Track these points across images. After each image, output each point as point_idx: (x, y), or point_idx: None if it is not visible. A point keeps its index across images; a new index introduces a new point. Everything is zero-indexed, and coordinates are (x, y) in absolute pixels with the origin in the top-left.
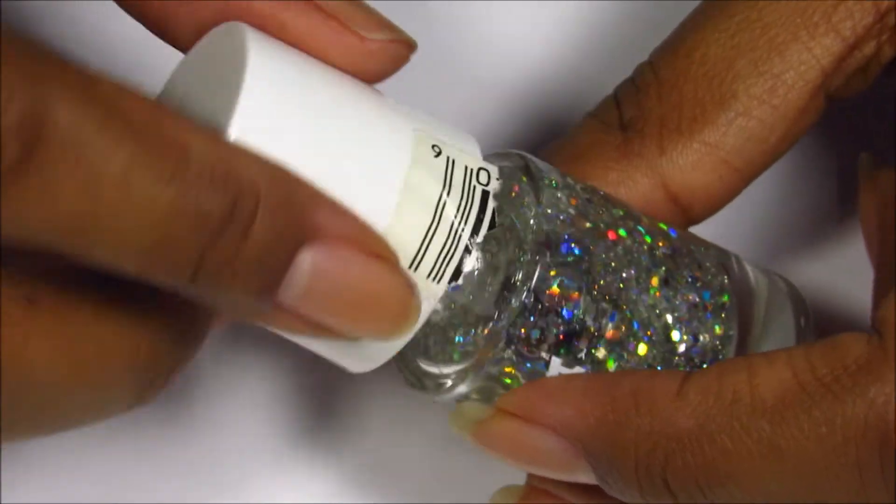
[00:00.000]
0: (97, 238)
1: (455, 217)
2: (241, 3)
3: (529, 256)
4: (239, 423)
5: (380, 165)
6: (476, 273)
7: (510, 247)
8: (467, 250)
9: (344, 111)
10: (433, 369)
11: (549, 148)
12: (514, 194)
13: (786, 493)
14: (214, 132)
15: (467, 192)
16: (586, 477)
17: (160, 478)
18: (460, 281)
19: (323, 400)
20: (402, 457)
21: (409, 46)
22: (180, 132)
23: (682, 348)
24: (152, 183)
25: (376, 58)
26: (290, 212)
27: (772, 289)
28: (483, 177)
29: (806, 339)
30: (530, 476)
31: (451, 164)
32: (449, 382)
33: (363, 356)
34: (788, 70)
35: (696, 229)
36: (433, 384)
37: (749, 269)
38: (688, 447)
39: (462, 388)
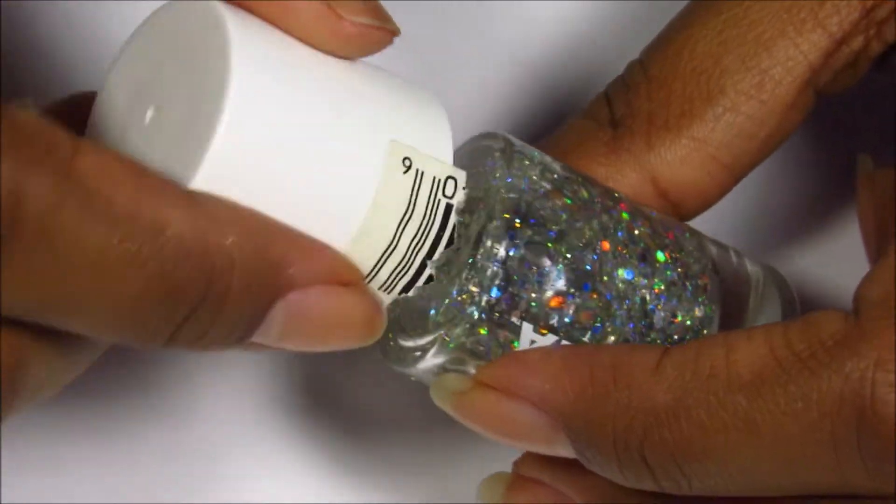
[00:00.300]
0: (71, 315)
1: (413, 240)
2: None
3: (498, 225)
4: (237, 421)
5: (351, 184)
6: (446, 246)
7: (481, 217)
8: (421, 267)
9: (320, 124)
10: (408, 343)
11: (540, 143)
12: (486, 167)
13: (762, 469)
14: (193, 200)
15: (430, 212)
16: (565, 451)
17: (159, 478)
18: (411, 293)
19: (320, 396)
20: (400, 452)
21: (390, 34)
22: (159, 209)
23: (658, 324)
24: (126, 265)
25: (352, 42)
26: (264, 274)
27: (757, 272)
28: (449, 188)
29: (791, 315)
30: (516, 464)
31: (418, 180)
32: (421, 353)
33: None
34: (776, 66)
35: (690, 221)
36: (409, 357)
37: (748, 262)
38: (664, 422)
39: (436, 360)
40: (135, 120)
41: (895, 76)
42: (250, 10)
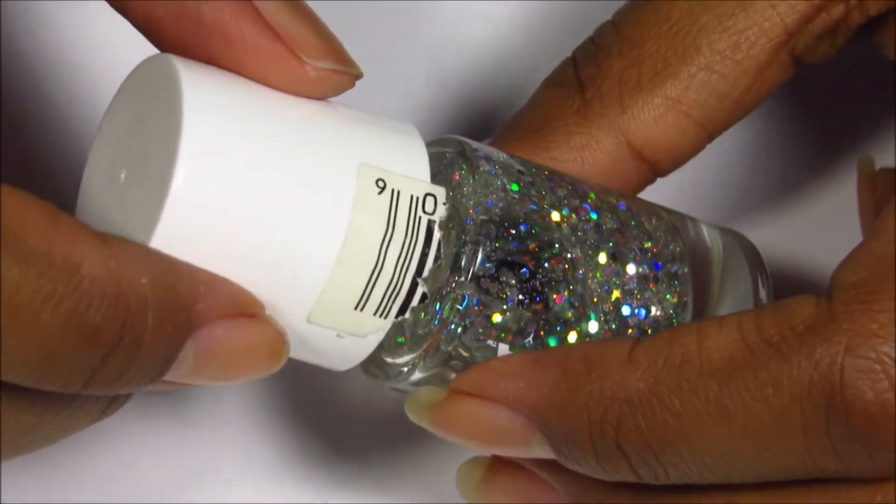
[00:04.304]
0: None
1: (399, 259)
2: (192, 8)
3: (471, 243)
4: (234, 420)
5: (322, 213)
6: (434, 262)
7: (453, 234)
8: (413, 286)
9: (285, 154)
10: (389, 359)
11: (511, 119)
12: (454, 182)
13: (735, 454)
14: (105, 242)
15: (411, 230)
16: (542, 451)
17: (159, 479)
18: (407, 315)
19: (316, 399)
20: (394, 456)
21: (352, 78)
22: (73, 250)
23: (634, 321)
24: (41, 304)
25: (315, 85)
26: (176, 314)
27: (728, 248)
28: (429, 204)
29: (763, 296)
30: None
31: (395, 200)
32: (405, 370)
33: (348, 355)
34: (752, 26)
35: (657, 187)
36: (393, 372)
37: (705, 230)
38: (639, 409)
39: (417, 375)
40: (113, 181)
41: (877, 50)
42: (211, 58)
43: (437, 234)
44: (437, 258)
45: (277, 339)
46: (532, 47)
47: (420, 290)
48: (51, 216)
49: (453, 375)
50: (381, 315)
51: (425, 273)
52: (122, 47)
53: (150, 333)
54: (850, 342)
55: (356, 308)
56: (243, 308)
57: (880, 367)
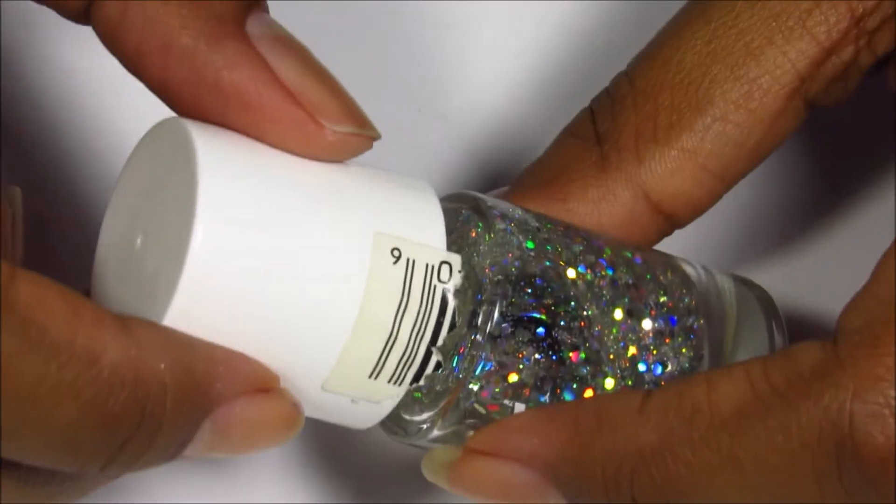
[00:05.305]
0: (7, 443)
1: (413, 329)
2: (210, 73)
3: (487, 303)
4: (248, 473)
5: (337, 283)
6: (449, 329)
7: (469, 293)
8: (427, 355)
9: (300, 224)
10: (407, 417)
11: (529, 168)
12: (470, 239)
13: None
14: (126, 328)
15: (426, 299)
16: None
17: (160, 479)
18: (422, 382)
19: (331, 453)
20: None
21: (369, 140)
22: (94, 339)
23: (650, 377)
24: (62, 394)
25: (334, 149)
26: (194, 396)
27: (742, 298)
28: (444, 273)
29: (779, 344)
30: None
31: (410, 270)
32: (424, 427)
33: (363, 418)
34: (764, 74)
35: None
36: (412, 429)
37: (719, 280)
38: (652, 462)
39: (435, 432)
40: (129, 246)
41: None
42: (227, 122)
43: (451, 303)
44: (452, 326)
45: (293, 412)
46: (549, 97)
47: (434, 358)
48: (71, 305)
49: (471, 433)
50: (395, 383)
51: (440, 342)
52: (136, 101)
53: (168, 417)
54: (858, 387)
55: (370, 377)
56: (260, 384)
57: (888, 412)
